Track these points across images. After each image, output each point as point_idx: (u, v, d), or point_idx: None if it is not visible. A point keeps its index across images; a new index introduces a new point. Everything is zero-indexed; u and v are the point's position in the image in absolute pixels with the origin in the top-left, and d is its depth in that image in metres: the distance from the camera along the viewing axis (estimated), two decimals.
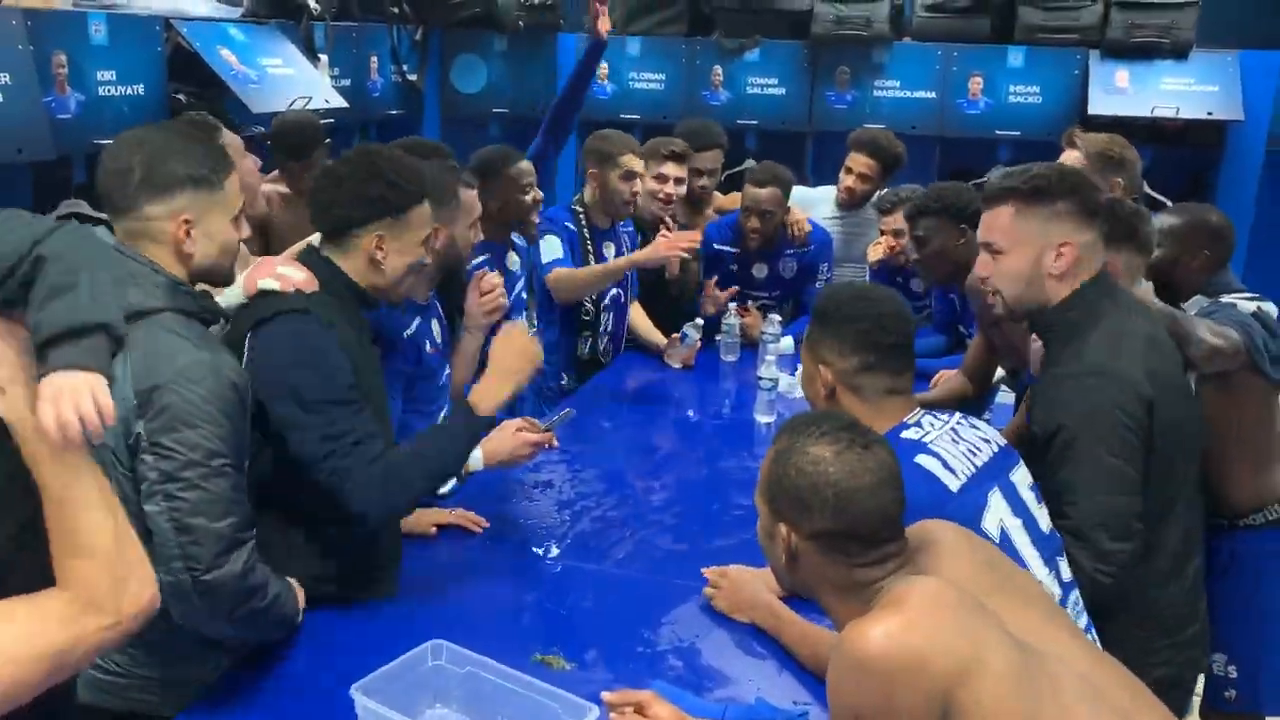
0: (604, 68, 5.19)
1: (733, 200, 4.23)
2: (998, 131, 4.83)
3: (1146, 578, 1.99)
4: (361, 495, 1.82)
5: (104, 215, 3.31)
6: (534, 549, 2.29)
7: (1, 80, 2.74)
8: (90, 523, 1.20)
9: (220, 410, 1.61)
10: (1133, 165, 2.88)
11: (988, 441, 1.85)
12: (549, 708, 1.58)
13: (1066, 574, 1.80)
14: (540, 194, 3.04)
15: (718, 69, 5.08)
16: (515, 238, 3.14)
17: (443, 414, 2.47)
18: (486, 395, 2.03)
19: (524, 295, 3.23)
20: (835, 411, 1.61)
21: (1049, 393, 1.96)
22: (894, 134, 4.04)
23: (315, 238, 2.06)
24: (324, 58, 4.20)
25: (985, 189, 2.09)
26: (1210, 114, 4.49)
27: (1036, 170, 2.03)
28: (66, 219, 3.09)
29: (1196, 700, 2.56)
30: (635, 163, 3.36)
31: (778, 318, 3.54)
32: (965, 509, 1.69)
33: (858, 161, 3.92)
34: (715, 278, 3.75)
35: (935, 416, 1.86)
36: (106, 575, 1.20)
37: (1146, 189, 4.54)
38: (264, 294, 1.88)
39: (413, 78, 5.03)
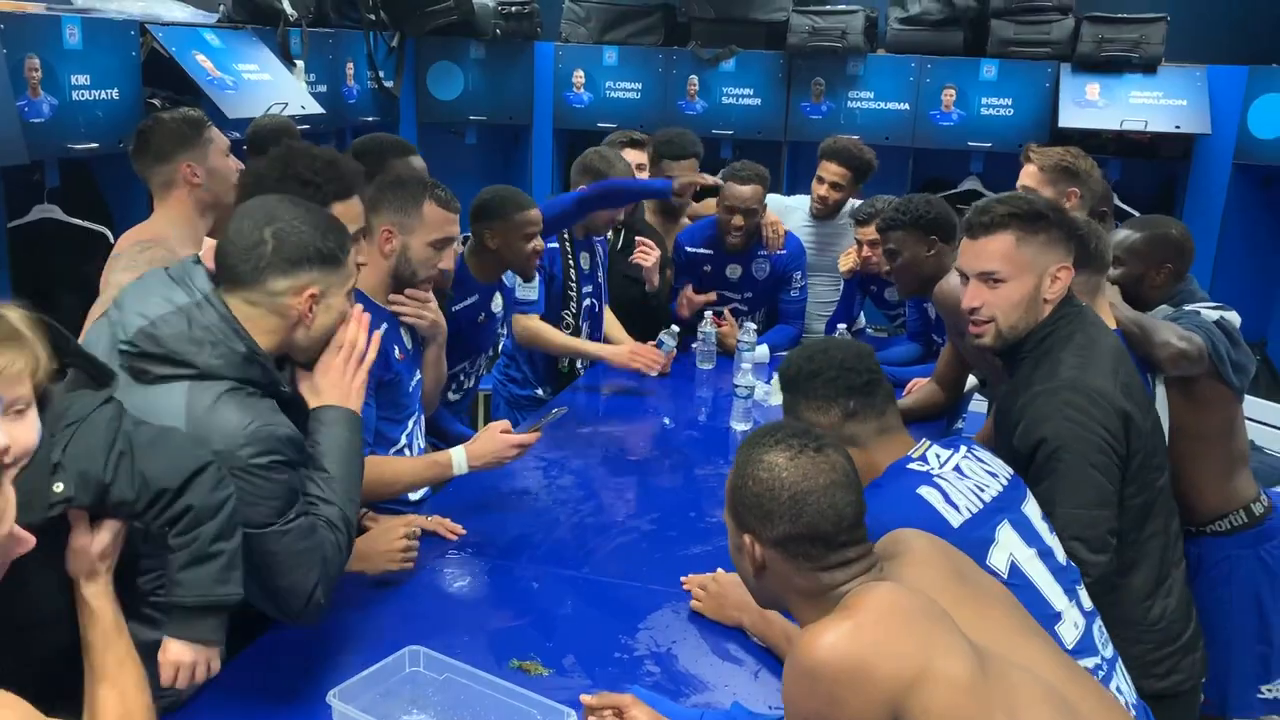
0: (580, 76, 5.21)
1: (705, 207, 4.26)
2: (970, 143, 4.88)
3: (1138, 590, 2.02)
4: None
5: (78, 221, 3.32)
6: (511, 555, 2.29)
7: None
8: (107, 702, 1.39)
9: (274, 480, 1.60)
10: (1090, 176, 2.89)
11: (995, 476, 1.84)
12: (526, 713, 1.58)
13: (1088, 603, 1.80)
14: (542, 244, 2.99)
15: (694, 79, 5.11)
16: (506, 276, 3.10)
17: (413, 420, 2.47)
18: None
19: (502, 332, 3.23)
20: (789, 421, 1.62)
21: (1028, 409, 1.97)
22: (864, 143, 4.07)
23: None
24: (300, 64, 4.18)
25: (974, 217, 2.07)
26: (1178, 127, 4.56)
27: (1024, 196, 2.08)
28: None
29: None
30: (623, 176, 3.38)
31: (753, 326, 3.57)
32: (967, 544, 1.67)
33: (829, 170, 3.95)
34: (689, 284, 3.77)
35: (942, 449, 1.84)
36: None
37: (1115, 200, 4.62)
38: None
39: (389, 84, 5.03)
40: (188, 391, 1.59)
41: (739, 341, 3.47)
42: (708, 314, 3.73)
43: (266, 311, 1.69)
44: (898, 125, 4.92)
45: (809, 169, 4.21)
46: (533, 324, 3.32)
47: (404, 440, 2.43)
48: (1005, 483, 1.84)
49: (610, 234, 3.69)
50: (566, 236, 3.44)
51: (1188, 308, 2.51)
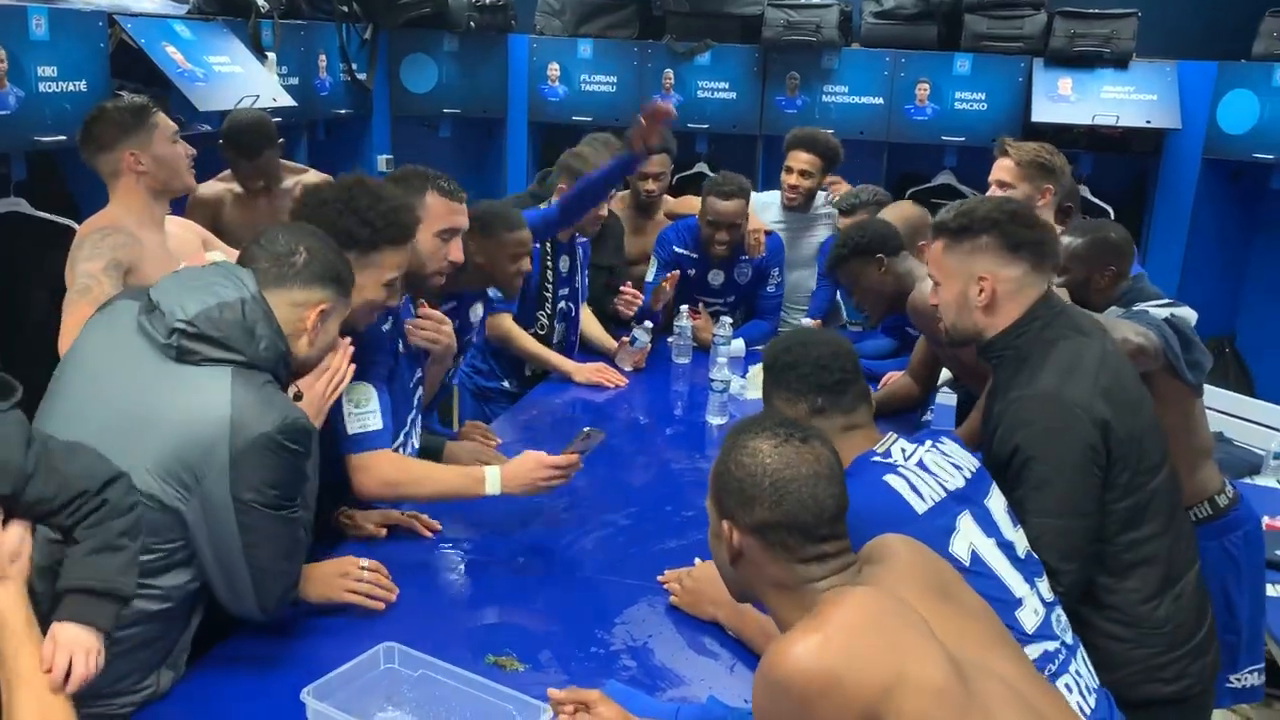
0: (555, 69, 5.19)
1: (683, 204, 4.26)
2: (944, 137, 4.91)
3: (1140, 592, 1.98)
4: None
5: (45, 215, 3.27)
6: (486, 551, 2.28)
7: None
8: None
9: (294, 467, 1.72)
10: (1063, 172, 2.94)
11: (959, 469, 1.86)
12: (502, 709, 1.58)
13: (1048, 593, 1.81)
14: (529, 265, 2.97)
15: (669, 72, 5.10)
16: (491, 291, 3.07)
17: (410, 418, 2.45)
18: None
19: (475, 340, 3.18)
20: (776, 412, 1.63)
21: (1005, 415, 1.97)
22: (839, 137, 4.08)
23: None
24: (272, 56, 4.14)
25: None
26: (1149, 122, 4.60)
27: (967, 206, 2.09)
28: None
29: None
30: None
31: (729, 320, 3.57)
32: (931, 531, 1.69)
33: (798, 159, 3.96)
34: (669, 275, 3.76)
35: (907, 444, 1.87)
36: None
37: (1087, 194, 4.67)
38: None
39: (362, 77, 4.99)
40: (233, 375, 1.69)
41: (715, 336, 3.47)
42: (683, 308, 3.72)
43: (281, 319, 1.80)
44: (872, 119, 4.94)
45: (783, 161, 4.21)
46: (505, 324, 3.32)
47: (400, 438, 2.42)
48: (969, 475, 1.86)
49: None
50: (552, 241, 3.43)
51: (1137, 307, 2.54)
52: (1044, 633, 1.74)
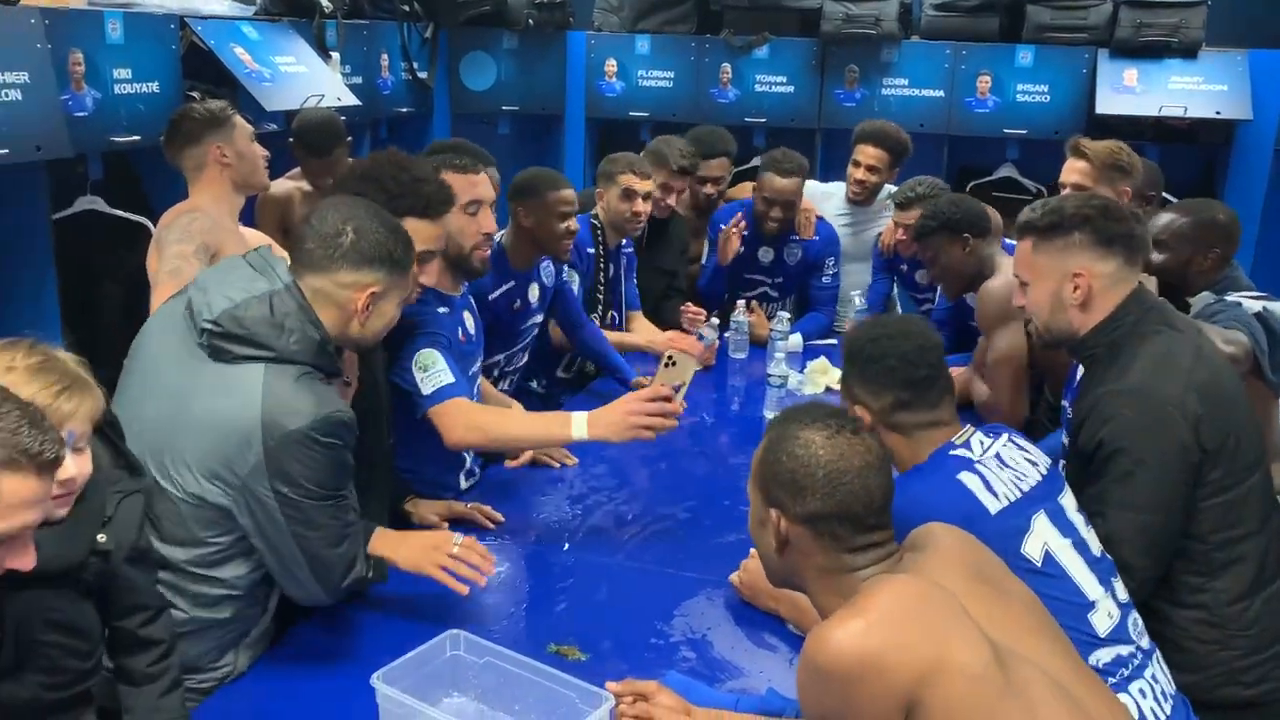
0: (612, 65, 5.21)
1: (739, 191, 4.26)
2: (1006, 130, 4.84)
3: (1229, 593, 1.94)
4: None
5: (121, 213, 3.37)
6: (548, 542, 2.32)
7: (20, 79, 2.77)
8: None
9: (334, 460, 1.73)
10: (1138, 170, 2.90)
11: (1035, 464, 1.84)
12: (565, 696, 1.60)
13: (1124, 595, 1.79)
14: (577, 225, 2.98)
15: (726, 67, 5.09)
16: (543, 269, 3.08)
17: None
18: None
19: (535, 324, 3.15)
20: (822, 403, 1.63)
21: (1095, 410, 1.95)
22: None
23: None
24: (336, 55, 4.21)
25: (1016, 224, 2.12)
26: (1218, 113, 4.49)
27: (1054, 204, 2.06)
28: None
29: None
30: (633, 181, 3.36)
31: (786, 315, 3.57)
32: (1004, 532, 1.69)
33: (866, 153, 3.93)
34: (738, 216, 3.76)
35: (985, 436, 1.85)
36: None
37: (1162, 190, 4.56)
38: None
39: (423, 75, 5.05)
40: (265, 372, 1.70)
41: (772, 331, 3.47)
42: (740, 303, 3.73)
43: (328, 300, 1.79)
44: (932, 112, 4.89)
45: (843, 156, 4.19)
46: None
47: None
48: (1044, 472, 1.84)
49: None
50: (601, 239, 3.44)
51: (1230, 297, 2.47)
52: (1118, 636, 1.71)
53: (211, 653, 1.78)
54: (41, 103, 2.84)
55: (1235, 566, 1.94)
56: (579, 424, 2.20)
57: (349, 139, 3.69)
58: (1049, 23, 4.72)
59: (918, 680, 1.26)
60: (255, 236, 2.91)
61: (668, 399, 2.20)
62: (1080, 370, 2.12)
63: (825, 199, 4.07)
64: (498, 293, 2.88)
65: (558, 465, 2.69)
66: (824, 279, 3.93)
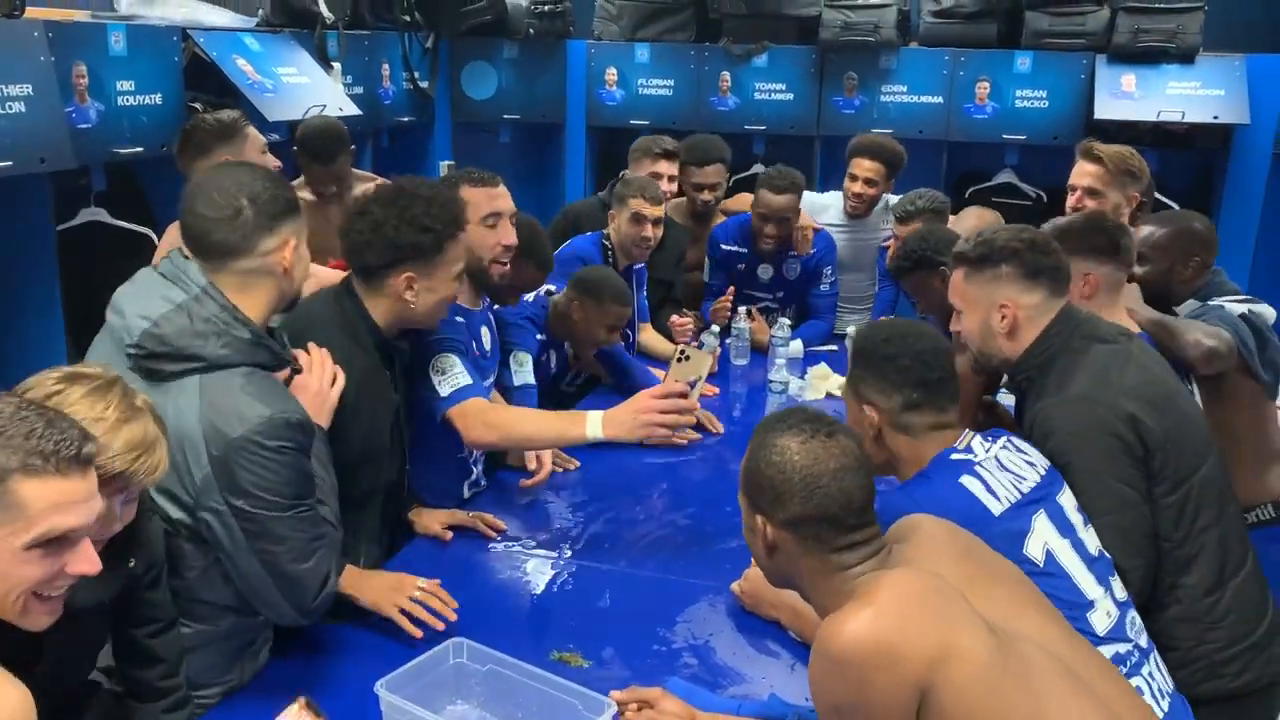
0: (612, 74, 5.23)
1: (736, 201, 4.28)
2: (1005, 136, 4.85)
3: (1199, 586, 1.97)
4: None
5: (124, 224, 3.38)
6: (549, 549, 2.33)
7: (24, 91, 2.78)
8: None
9: (287, 464, 1.66)
10: (1147, 175, 2.94)
11: (1033, 465, 1.87)
12: (568, 703, 1.62)
13: (1122, 593, 1.82)
14: (618, 338, 3.10)
15: (725, 75, 5.11)
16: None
17: None
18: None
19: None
20: (802, 407, 1.65)
21: (1034, 428, 2.00)
22: (896, 140, 4.07)
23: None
24: (337, 66, 4.23)
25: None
26: (1216, 118, 4.50)
27: (986, 235, 2.10)
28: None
29: None
30: (643, 206, 3.39)
31: (787, 321, 3.59)
32: (1007, 533, 1.72)
33: (862, 167, 3.95)
34: (727, 288, 3.79)
35: (984, 440, 1.88)
36: None
37: (1155, 195, 4.58)
38: None
39: (424, 84, 5.07)
40: (200, 385, 1.65)
41: (773, 337, 3.49)
42: (741, 309, 3.75)
43: (260, 276, 1.74)
44: (931, 119, 4.90)
45: (842, 164, 4.20)
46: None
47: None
48: (1042, 473, 1.86)
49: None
50: (612, 258, 3.47)
51: (1214, 301, 2.50)
52: (1116, 635, 1.73)
53: (217, 666, 1.78)
54: (45, 115, 2.86)
55: (1201, 559, 1.99)
56: (594, 423, 2.18)
57: (352, 146, 3.71)
58: (1047, 29, 4.74)
59: (930, 666, 1.28)
60: None
61: (683, 395, 2.16)
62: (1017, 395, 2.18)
63: (822, 211, 4.09)
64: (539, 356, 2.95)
65: (560, 469, 2.70)
66: (823, 286, 3.95)
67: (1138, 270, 2.57)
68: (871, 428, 1.87)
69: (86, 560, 1.28)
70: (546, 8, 5.19)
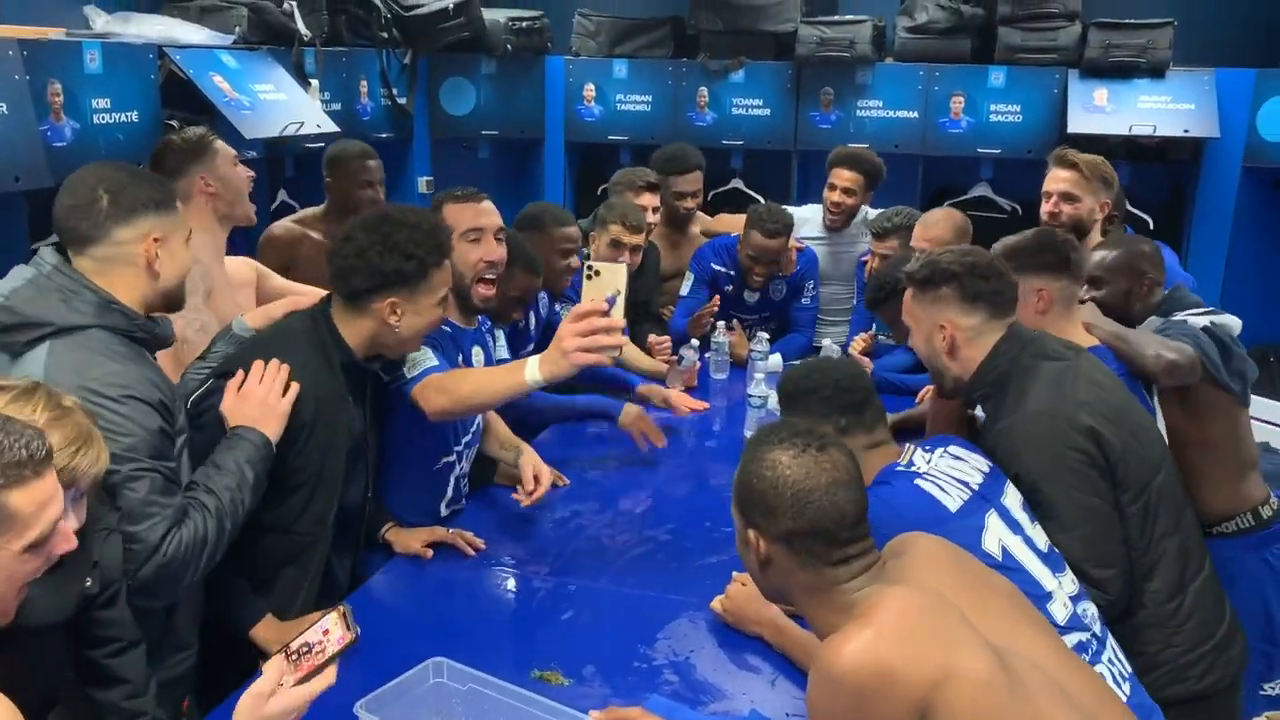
0: (591, 90, 5.25)
1: (719, 223, 4.31)
2: (979, 150, 4.90)
3: (1162, 591, 2.03)
4: None
5: None
6: (530, 567, 2.33)
7: None
8: None
9: (125, 417, 1.68)
10: (1116, 185, 3.01)
11: (976, 468, 1.94)
12: None
13: (1072, 586, 1.86)
14: (579, 262, 3.01)
15: (703, 90, 5.14)
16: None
17: (466, 440, 2.52)
18: None
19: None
20: (793, 421, 1.67)
21: (996, 449, 2.04)
22: (874, 151, 4.11)
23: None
24: (315, 82, 4.22)
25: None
26: (1187, 131, 4.57)
27: (933, 257, 2.16)
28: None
29: None
30: (622, 233, 3.39)
31: (765, 336, 3.60)
32: (965, 529, 1.76)
33: (841, 177, 3.98)
34: (716, 298, 3.81)
35: (924, 451, 1.95)
36: None
37: (1127, 206, 4.65)
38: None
39: (402, 101, 5.07)
40: (49, 347, 1.70)
41: (752, 351, 3.50)
42: (720, 324, 3.76)
43: (118, 265, 1.79)
44: (907, 133, 4.94)
45: (819, 178, 4.24)
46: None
47: (452, 456, 2.49)
48: (984, 473, 1.93)
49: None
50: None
51: (1176, 316, 2.54)
52: (1074, 624, 1.78)
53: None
54: (20, 133, 2.84)
55: (1163, 565, 2.04)
56: (531, 368, 2.05)
57: (369, 163, 3.68)
58: (1020, 44, 4.80)
59: (930, 688, 1.29)
60: (236, 266, 2.91)
61: (604, 314, 1.98)
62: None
63: (802, 224, 4.11)
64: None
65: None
66: (804, 300, 3.98)
67: (1097, 294, 2.62)
68: None
69: (65, 540, 1.35)
70: (524, 24, 5.21)
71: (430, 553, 2.31)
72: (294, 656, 1.46)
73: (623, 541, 2.46)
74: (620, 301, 1.99)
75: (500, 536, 2.44)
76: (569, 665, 1.90)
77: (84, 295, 1.74)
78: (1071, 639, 1.74)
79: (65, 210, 1.79)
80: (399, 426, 2.36)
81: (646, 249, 3.84)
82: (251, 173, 2.90)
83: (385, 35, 4.86)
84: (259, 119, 3.67)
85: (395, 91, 5.00)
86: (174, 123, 3.47)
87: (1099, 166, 2.98)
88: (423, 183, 5.33)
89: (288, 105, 3.89)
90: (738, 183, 5.21)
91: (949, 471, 1.90)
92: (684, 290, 3.96)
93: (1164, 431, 2.40)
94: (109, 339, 1.74)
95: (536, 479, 2.40)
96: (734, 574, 2.09)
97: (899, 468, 1.91)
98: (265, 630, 1.96)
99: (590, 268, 2.03)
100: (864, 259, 3.94)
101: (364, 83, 4.73)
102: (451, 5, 4.93)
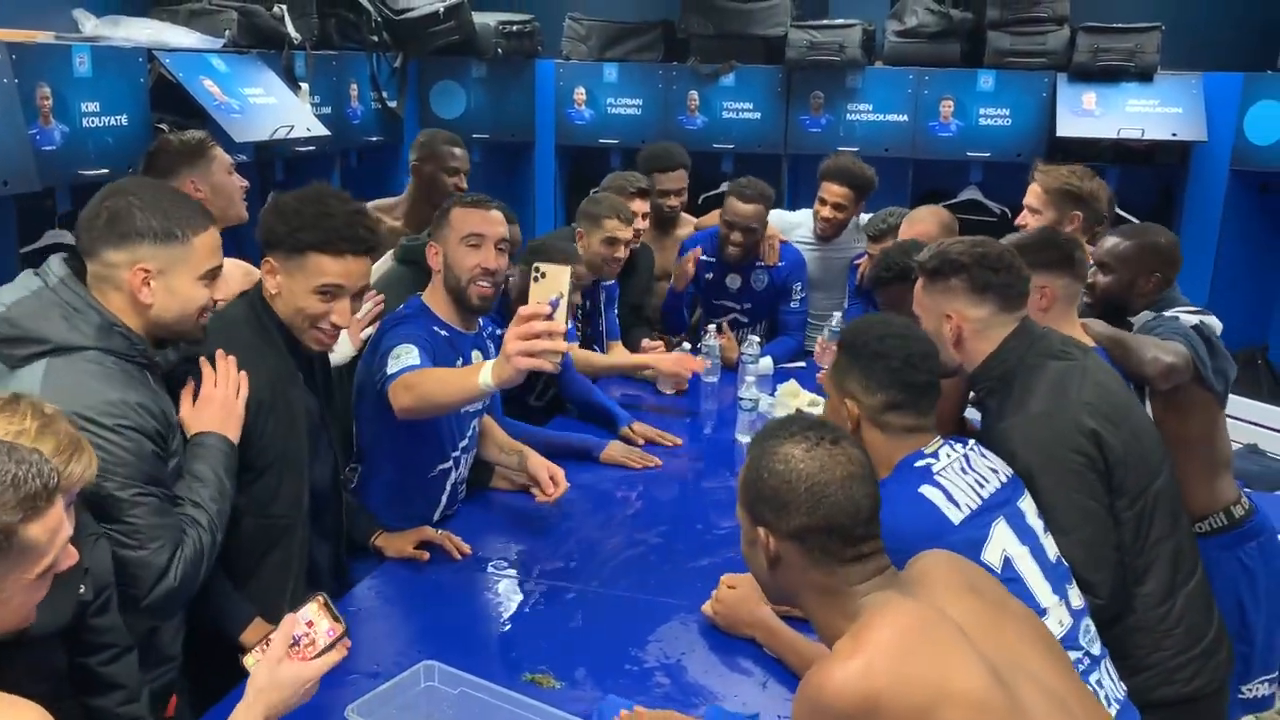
0: (581, 93, 5.25)
1: (710, 219, 4.31)
2: (969, 153, 4.92)
3: (1153, 596, 2.03)
4: None
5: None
6: (521, 570, 2.32)
7: None
8: None
9: (124, 446, 1.66)
10: (1095, 198, 2.96)
11: (995, 472, 1.90)
12: None
13: (1077, 601, 1.85)
14: (578, 298, 3.18)
15: (693, 94, 5.15)
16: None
17: (462, 446, 2.52)
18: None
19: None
20: (802, 415, 1.64)
21: (1003, 445, 2.02)
22: (863, 158, 4.12)
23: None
24: (305, 86, 4.22)
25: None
26: (1175, 135, 4.59)
27: (944, 247, 2.15)
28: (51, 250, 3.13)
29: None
30: (618, 228, 3.40)
31: (757, 339, 3.61)
32: (967, 541, 1.73)
33: (832, 191, 3.98)
34: (694, 250, 3.85)
35: (952, 446, 1.90)
36: None
37: (1116, 209, 4.67)
38: None
39: (393, 104, 5.07)
40: (45, 366, 1.67)
41: (743, 354, 3.51)
42: (710, 327, 3.77)
43: (105, 284, 1.75)
44: (897, 137, 4.96)
45: (810, 181, 4.24)
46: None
47: (448, 463, 2.49)
48: (1004, 479, 1.90)
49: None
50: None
51: (1168, 313, 2.55)
52: (1067, 643, 1.76)
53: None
54: (9, 136, 2.84)
55: (1155, 570, 2.04)
56: (485, 373, 2.00)
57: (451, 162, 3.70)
58: (1009, 48, 4.82)
59: (918, 715, 1.27)
60: (228, 268, 2.90)
61: (548, 316, 1.93)
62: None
63: (792, 229, 4.12)
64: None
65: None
66: (792, 303, 3.98)
67: (1100, 279, 2.61)
68: (849, 420, 1.88)
69: (70, 556, 1.35)
70: (515, 27, 5.22)
71: (426, 555, 2.31)
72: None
73: (614, 544, 2.46)
74: (563, 305, 1.93)
75: (491, 539, 2.44)
76: (560, 668, 1.90)
77: (87, 315, 1.71)
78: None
79: (80, 217, 1.77)
80: (394, 432, 2.35)
81: (640, 251, 3.85)
82: (246, 183, 2.89)
83: (375, 39, 4.86)
84: (249, 123, 3.66)
85: (385, 95, 5.00)
86: (163, 126, 3.47)
87: (1063, 179, 2.94)
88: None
89: (278, 109, 3.88)
90: (727, 186, 5.21)
91: (970, 468, 1.86)
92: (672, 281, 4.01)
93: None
94: (106, 361, 1.70)
95: (553, 479, 2.42)
96: (722, 578, 2.09)
97: (918, 461, 1.85)
98: (255, 634, 1.95)
99: (537, 269, 1.97)
100: (857, 261, 3.96)
101: (354, 86, 4.73)
102: (442, 9, 4.94)
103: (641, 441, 3.11)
